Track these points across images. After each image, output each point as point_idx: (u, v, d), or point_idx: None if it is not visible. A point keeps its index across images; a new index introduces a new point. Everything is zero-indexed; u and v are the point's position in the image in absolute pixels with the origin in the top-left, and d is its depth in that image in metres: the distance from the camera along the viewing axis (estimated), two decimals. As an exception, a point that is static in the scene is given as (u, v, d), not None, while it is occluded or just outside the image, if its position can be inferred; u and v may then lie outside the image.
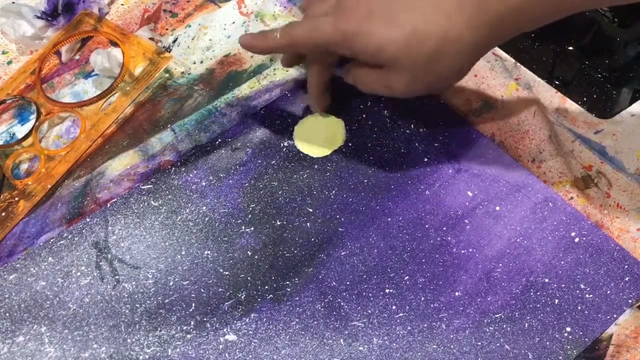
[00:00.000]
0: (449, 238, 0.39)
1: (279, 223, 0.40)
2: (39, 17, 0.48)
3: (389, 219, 0.40)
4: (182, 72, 0.47)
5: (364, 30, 0.35)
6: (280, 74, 0.47)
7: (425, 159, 0.42)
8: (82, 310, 0.37)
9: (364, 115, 0.44)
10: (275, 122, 0.44)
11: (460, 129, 0.43)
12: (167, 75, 0.47)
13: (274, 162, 0.43)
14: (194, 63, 0.48)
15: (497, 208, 0.40)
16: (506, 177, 0.41)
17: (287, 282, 0.38)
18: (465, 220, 0.40)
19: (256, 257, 0.39)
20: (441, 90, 0.44)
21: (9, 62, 0.49)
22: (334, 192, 0.41)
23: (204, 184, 0.42)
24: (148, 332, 0.36)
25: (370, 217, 0.40)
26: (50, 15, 0.48)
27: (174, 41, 0.49)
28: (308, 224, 0.40)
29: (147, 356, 0.36)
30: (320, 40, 0.37)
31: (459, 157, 0.42)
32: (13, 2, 0.50)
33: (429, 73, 0.35)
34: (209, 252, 0.39)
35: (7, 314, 0.37)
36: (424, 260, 0.39)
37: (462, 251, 0.39)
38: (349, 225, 0.40)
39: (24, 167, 0.43)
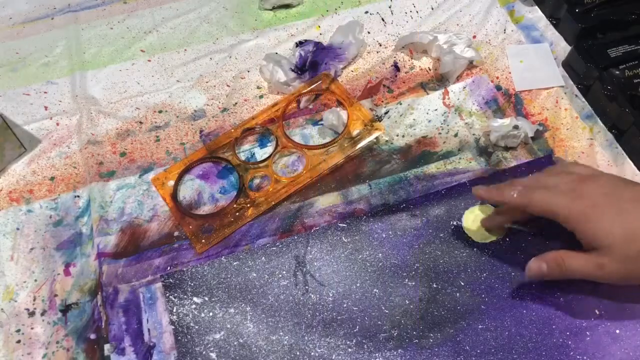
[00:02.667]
0: (570, 342, 0.48)
1: (435, 286, 0.51)
2: (292, 70, 0.62)
3: (524, 311, 0.49)
4: (387, 141, 0.59)
5: (592, 216, 0.44)
6: (464, 163, 0.57)
7: (567, 272, 0.51)
8: (277, 304, 0.50)
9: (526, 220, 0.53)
10: (451, 203, 0.55)
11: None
12: (374, 140, 0.59)
13: (442, 235, 0.53)
14: (397, 135, 0.60)
15: (617, 331, 0.48)
16: (632, 308, 0.49)
17: (431, 335, 0.48)
18: (587, 332, 0.48)
19: (412, 306, 0.50)
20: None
21: (261, 97, 0.63)
22: (485, 274, 0.51)
23: (384, 235, 0.53)
24: (321, 336, 0.49)
25: (509, 305, 0.49)
26: (300, 70, 0.62)
27: (386, 113, 0.61)
28: (458, 294, 0.50)
29: (317, 354, 0.48)
30: (552, 210, 0.46)
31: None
32: (276, 53, 0.65)
33: (637, 265, 0.44)
34: (377, 290, 0.51)
35: (227, 290, 0.51)
36: (544, 353, 0.47)
37: (578, 357, 0.47)
38: (491, 305, 0.49)
39: (257, 182, 0.57)
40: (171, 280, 0.52)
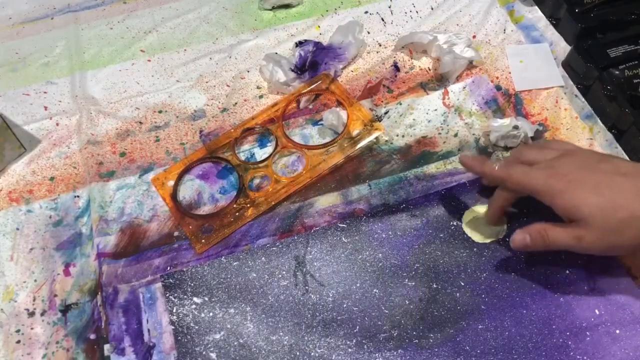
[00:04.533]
0: (570, 342, 0.48)
1: (434, 286, 0.51)
2: (292, 70, 0.62)
3: (524, 311, 0.49)
4: (386, 141, 0.59)
5: (569, 190, 0.45)
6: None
7: (567, 272, 0.51)
8: (277, 304, 0.50)
9: (525, 219, 0.53)
10: (451, 204, 0.55)
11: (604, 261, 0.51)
12: (374, 140, 0.59)
13: (442, 235, 0.53)
14: (397, 135, 0.60)
15: (618, 331, 0.48)
16: (632, 308, 0.49)
17: (431, 335, 0.48)
18: (587, 332, 0.48)
19: (412, 306, 0.50)
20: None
21: (261, 97, 0.63)
22: (484, 275, 0.51)
23: (384, 236, 0.53)
24: (321, 336, 0.49)
25: (509, 305, 0.49)
26: (299, 70, 0.62)
27: (385, 113, 0.61)
28: (458, 294, 0.50)
29: (317, 354, 0.48)
30: (529, 186, 0.47)
31: (595, 279, 0.50)
32: (276, 53, 0.65)
33: (617, 236, 0.44)
34: (376, 290, 0.51)
35: (226, 290, 0.51)
36: (544, 353, 0.47)
37: (578, 357, 0.47)
38: (491, 305, 0.49)
39: (257, 182, 0.57)
40: (171, 280, 0.52)
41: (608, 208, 0.44)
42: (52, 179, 0.58)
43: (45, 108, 0.63)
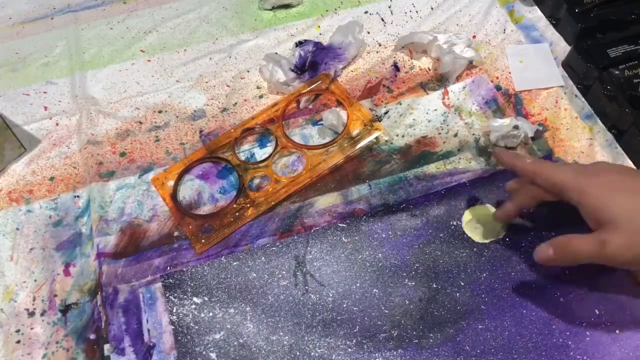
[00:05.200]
0: (569, 342, 0.48)
1: (434, 285, 0.51)
2: (292, 70, 0.62)
3: (524, 311, 0.49)
4: (386, 141, 0.59)
5: (598, 189, 0.43)
6: (464, 163, 0.57)
7: (567, 272, 0.50)
8: (277, 304, 0.50)
9: (524, 219, 0.53)
10: (451, 203, 0.55)
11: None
12: (374, 140, 0.59)
13: (441, 235, 0.53)
14: (397, 135, 0.60)
15: (618, 331, 0.48)
16: (632, 308, 0.49)
17: (431, 335, 0.48)
18: (587, 332, 0.48)
19: (412, 306, 0.50)
20: None
21: (260, 97, 0.63)
22: (484, 274, 0.51)
23: (384, 235, 0.53)
24: (321, 336, 0.49)
25: (509, 304, 0.49)
26: (299, 70, 0.62)
27: (385, 113, 0.61)
28: (458, 294, 0.50)
29: (317, 354, 0.48)
30: (558, 180, 0.45)
31: (595, 279, 0.50)
32: (276, 53, 0.65)
33: None
34: (376, 290, 0.51)
35: (226, 290, 0.51)
36: (543, 353, 0.47)
37: (578, 357, 0.47)
38: (491, 305, 0.49)
39: (257, 182, 0.57)
40: (171, 280, 0.51)
41: (638, 210, 0.42)
42: (52, 179, 0.58)
43: (45, 108, 0.63)
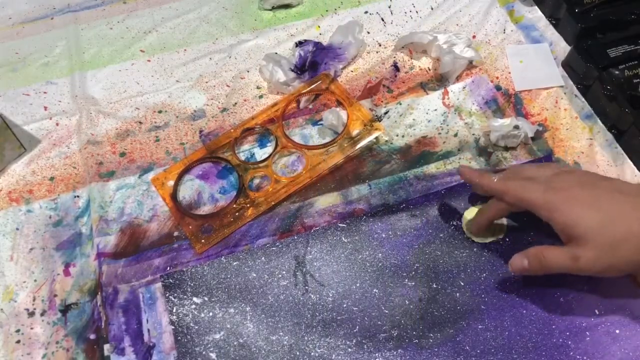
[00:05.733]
0: (569, 342, 0.48)
1: (434, 286, 0.51)
2: (292, 70, 0.62)
3: (524, 311, 0.49)
4: (386, 141, 0.59)
5: (567, 205, 0.44)
6: (463, 163, 0.57)
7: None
8: (277, 304, 0.50)
9: (525, 219, 0.53)
10: (450, 204, 0.55)
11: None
12: (374, 140, 0.59)
13: (441, 235, 0.53)
14: (397, 135, 0.60)
15: (617, 331, 0.48)
16: (632, 308, 0.49)
17: (431, 335, 0.48)
18: (587, 332, 0.48)
19: (412, 306, 0.50)
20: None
21: (260, 96, 0.63)
22: (484, 274, 0.51)
23: (383, 235, 0.53)
24: (321, 336, 0.49)
25: (509, 304, 0.49)
26: (299, 70, 0.62)
27: (385, 113, 0.61)
28: (458, 294, 0.50)
29: (317, 354, 0.48)
30: (526, 199, 0.46)
31: (595, 279, 0.50)
32: (276, 53, 0.65)
33: (613, 255, 0.43)
34: (376, 290, 0.51)
35: (226, 290, 0.51)
36: (543, 353, 0.47)
37: (578, 357, 0.47)
38: (491, 305, 0.49)
39: (256, 182, 0.57)
40: (171, 280, 0.51)
41: (605, 224, 0.43)
42: (52, 179, 0.58)
43: (45, 108, 0.63)
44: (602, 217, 0.43)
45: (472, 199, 0.55)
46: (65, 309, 0.51)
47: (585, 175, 0.48)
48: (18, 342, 0.49)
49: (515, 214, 0.52)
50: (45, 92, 0.65)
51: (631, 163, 0.56)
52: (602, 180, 0.46)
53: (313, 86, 0.62)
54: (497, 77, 0.63)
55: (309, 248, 0.53)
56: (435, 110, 0.61)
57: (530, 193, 0.46)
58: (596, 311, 0.49)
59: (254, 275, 0.52)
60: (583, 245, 0.43)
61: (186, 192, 0.57)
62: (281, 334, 0.49)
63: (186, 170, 0.58)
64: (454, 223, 0.54)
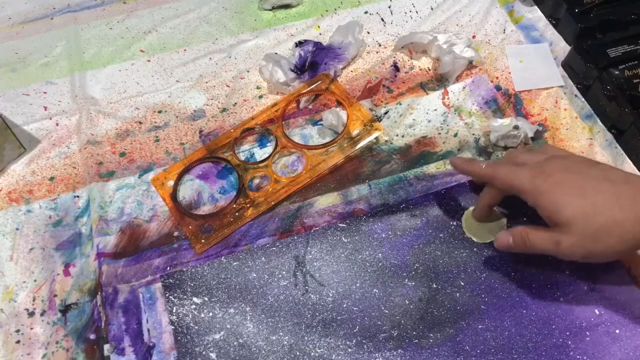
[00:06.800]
0: (569, 342, 0.48)
1: (434, 286, 0.51)
2: (292, 70, 0.62)
3: (524, 311, 0.49)
4: (386, 141, 0.59)
5: (553, 191, 0.44)
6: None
7: (567, 272, 0.51)
8: (277, 304, 0.50)
9: (525, 219, 0.53)
10: (450, 203, 0.55)
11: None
12: (374, 140, 0.59)
13: (441, 235, 0.53)
14: (397, 135, 0.60)
15: (617, 331, 0.48)
16: (632, 308, 0.49)
17: (431, 335, 0.48)
18: (587, 332, 0.48)
19: (412, 306, 0.50)
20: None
21: (260, 97, 0.63)
22: (484, 274, 0.51)
23: (383, 235, 0.53)
24: (321, 336, 0.49)
25: (509, 304, 0.49)
26: (299, 70, 0.62)
27: (385, 113, 0.61)
28: (458, 294, 0.50)
29: (317, 354, 0.48)
30: (514, 184, 0.47)
31: (595, 279, 0.50)
32: (276, 53, 0.65)
33: (595, 243, 0.43)
34: (376, 290, 0.51)
35: (226, 290, 0.51)
36: (543, 353, 0.47)
37: (578, 357, 0.47)
38: (491, 305, 0.49)
39: (256, 182, 0.57)
40: (171, 280, 0.51)
41: (589, 212, 0.43)
42: (51, 179, 0.58)
43: (45, 108, 0.63)
44: (586, 204, 0.43)
45: (472, 199, 0.55)
46: (65, 309, 0.51)
47: (576, 161, 0.47)
48: (18, 342, 0.49)
49: (515, 214, 0.53)
50: (45, 92, 0.65)
51: (631, 163, 0.56)
52: (591, 167, 0.46)
53: (313, 86, 0.62)
54: (497, 77, 0.63)
55: (309, 248, 0.53)
56: (435, 110, 0.61)
57: (519, 178, 0.46)
58: (596, 311, 0.49)
59: (254, 275, 0.52)
60: (566, 231, 0.44)
61: (186, 192, 0.57)
62: (281, 334, 0.49)
63: (186, 170, 0.58)
64: (454, 223, 0.54)
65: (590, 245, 0.44)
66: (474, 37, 0.67)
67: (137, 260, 0.53)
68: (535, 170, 0.46)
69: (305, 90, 0.62)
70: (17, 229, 0.55)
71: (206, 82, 0.65)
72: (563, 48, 0.65)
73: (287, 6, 0.71)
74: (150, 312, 0.50)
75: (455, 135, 0.59)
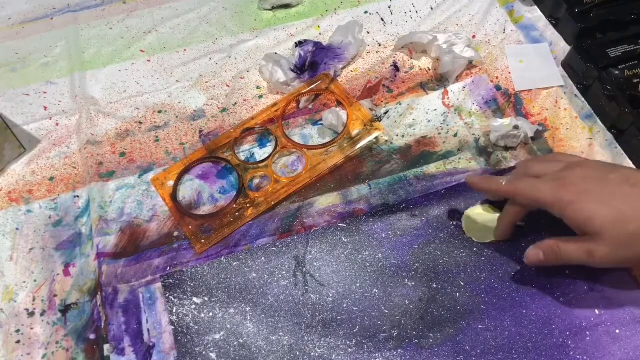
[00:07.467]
0: (569, 342, 0.48)
1: (434, 286, 0.51)
2: (292, 70, 0.62)
3: (524, 311, 0.49)
4: (386, 141, 0.59)
5: (579, 201, 0.44)
6: (464, 163, 0.57)
7: (567, 272, 0.50)
8: (277, 304, 0.50)
9: (525, 219, 0.53)
10: (451, 203, 0.55)
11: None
12: (374, 140, 0.59)
13: (441, 235, 0.53)
14: (397, 135, 0.60)
15: (617, 331, 0.48)
16: (632, 308, 0.49)
17: (431, 335, 0.48)
18: (587, 332, 0.48)
19: (412, 306, 0.50)
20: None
21: (260, 96, 0.63)
22: (484, 274, 0.51)
23: (383, 235, 0.53)
24: (321, 337, 0.49)
25: (509, 304, 0.49)
26: (299, 70, 0.62)
27: (385, 113, 0.61)
28: (458, 294, 0.50)
29: (317, 354, 0.48)
30: (538, 198, 0.46)
31: (595, 279, 0.50)
32: (276, 53, 0.65)
33: (628, 250, 0.43)
34: (376, 290, 0.51)
35: (226, 290, 0.51)
36: (543, 353, 0.47)
37: (578, 357, 0.47)
38: (491, 305, 0.49)
39: (256, 182, 0.57)
40: (171, 280, 0.51)
41: (619, 221, 0.43)
42: (51, 179, 0.58)
43: (45, 108, 0.63)
44: (614, 212, 0.43)
45: (472, 199, 0.55)
46: (65, 309, 0.51)
47: (593, 167, 0.47)
48: (18, 342, 0.49)
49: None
50: (45, 92, 0.65)
51: (631, 163, 0.56)
52: (610, 172, 0.46)
53: (313, 86, 0.62)
54: (497, 77, 0.63)
55: (309, 248, 0.53)
56: (435, 110, 0.61)
57: (541, 192, 0.46)
58: (596, 311, 0.49)
59: (254, 275, 0.52)
60: (598, 240, 0.44)
61: (186, 192, 0.57)
62: (281, 334, 0.49)
63: (186, 171, 0.58)
64: (454, 223, 0.54)
65: (624, 252, 0.43)
66: (474, 37, 0.67)
67: (137, 260, 0.53)
68: (556, 181, 0.46)
69: (305, 90, 0.62)
70: (17, 229, 0.55)
71: (206, 82, 0.65)
72: (563, 48, 0.65)
73: (287, 6, 0.71)
74: (150, 312, 0.50)
75: (455, 135, 0.59)
